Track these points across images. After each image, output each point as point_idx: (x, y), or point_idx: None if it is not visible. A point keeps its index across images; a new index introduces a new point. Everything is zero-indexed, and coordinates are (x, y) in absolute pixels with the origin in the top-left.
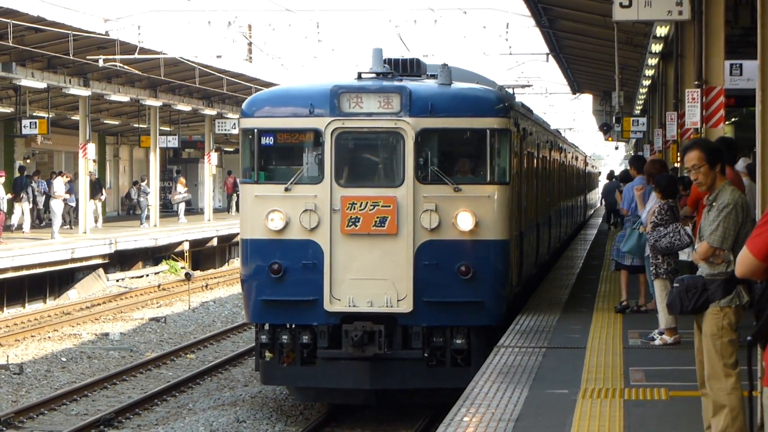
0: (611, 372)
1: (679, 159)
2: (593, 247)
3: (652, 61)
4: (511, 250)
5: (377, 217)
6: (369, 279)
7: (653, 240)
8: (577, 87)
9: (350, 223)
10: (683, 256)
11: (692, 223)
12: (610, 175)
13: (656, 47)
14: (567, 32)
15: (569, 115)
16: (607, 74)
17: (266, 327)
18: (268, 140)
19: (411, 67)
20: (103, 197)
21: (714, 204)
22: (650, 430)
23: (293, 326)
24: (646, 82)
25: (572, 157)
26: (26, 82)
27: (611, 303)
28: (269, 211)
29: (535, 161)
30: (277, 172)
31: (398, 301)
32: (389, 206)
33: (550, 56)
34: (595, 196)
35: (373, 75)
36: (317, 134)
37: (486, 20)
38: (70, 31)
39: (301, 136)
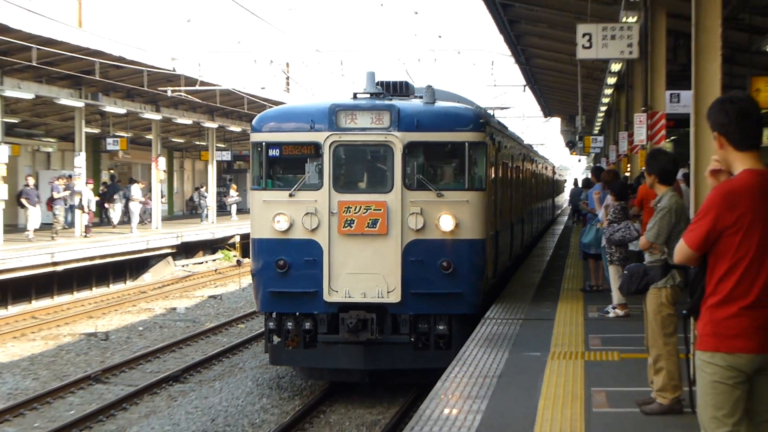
0: (574, 339)
1: (629, 169)
2: (560, 240)
3: (608, 91)
4: (486, 248)
5: (370, 219)
6: (363, 273)
7: (608, 234)
8: (548, 111)
9: (346, 225)
10: (632, 246)
11: (639, 221)
12: (576, 182)
13: (611, 80)
14: (540, 68)
15: (542, 134)
16: (572, 101)
17: (273, 315)
18: (274, 152)
19: (400, 89)
20: (163, 200)
21: (657, 206)
22: (605, 385)
23: (297, 314)
24: (603, 108)
25: (542, 167)
26: (110, 109)
27: (575, 284)
28: (275, 214)
29: (509, 170)
30: (283, 180)
31: (388, 292)
32: (380, 210)
33: (526, 87)
34: (563, 199)
35: (367, 95)
36: (317, 147)
37: (476, 59)
38: (144, 68)
39: (303, 148)
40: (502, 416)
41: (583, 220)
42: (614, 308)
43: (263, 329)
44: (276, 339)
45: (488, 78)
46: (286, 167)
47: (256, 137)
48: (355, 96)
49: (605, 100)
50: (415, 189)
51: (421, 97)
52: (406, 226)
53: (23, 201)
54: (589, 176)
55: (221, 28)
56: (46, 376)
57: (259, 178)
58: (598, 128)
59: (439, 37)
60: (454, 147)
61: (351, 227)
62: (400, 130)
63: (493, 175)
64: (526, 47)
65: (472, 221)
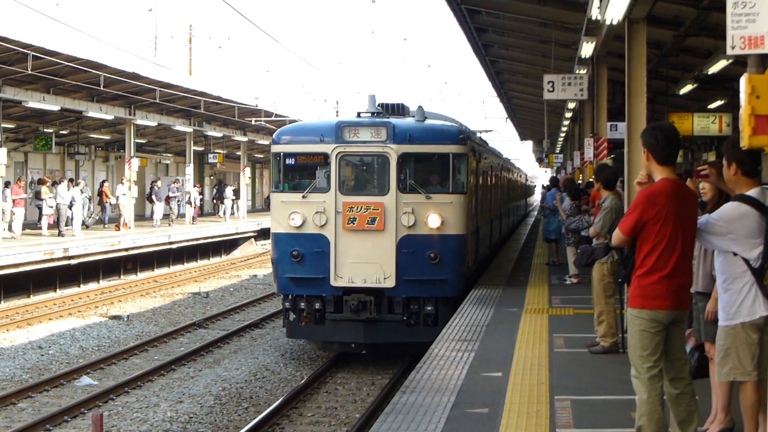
0: (541, 299)
1: (581, 178)
2: (531, 229)
3: (566, 122)
4: (467, 241)
5: (369, 217)
6: (363, 263)
7: (566, 224)
8: (523, 136)
9: (349, 222)
10: (583, 233)
11: (590, 214)
12: (543, 187)
13: (568, 114)
14: (517, 105)
15: (519, 152)
16: (540, 129)
17: (289, 297)
18: (290, 161)
19: (397, 110)
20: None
21: (601, 206)
22: (563, 332)
23: (308, 296)
24: (563, 134)
25: (517, 175)
26: (211, 133)
27: (541, 260)
28: (291, 212)
29: (489, 176)
30: (297, 184)
31: (385, 278)
32: (378, 209)
33: (507, 119)
34: (533, 199)
35: (369, 114)
36: (326, 156)
37: (471, 98)
38: (235, 104)
39: (314, 157)
40: (489, 353)
41: (546, 214)
42: (570, 277)
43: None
44: (292, 316)
45: (480, 112)
46: (300, 173)
47: (275, 148)
48: (358, 114)
49: (564, 129)
50: (407, 192)
51: (414, 117)
52: (400, 223)
53: (153, 198)
54: (545, 185)
55: (290, 75)
56: (163, 323)
57: (277, 183)
58: (559, 148)
59: (445, 83)
60: (440, 157)
61: (354, 224)
62: (395, 142)
63: (473, 181)
64: (507, 90)
65: (455, 219)
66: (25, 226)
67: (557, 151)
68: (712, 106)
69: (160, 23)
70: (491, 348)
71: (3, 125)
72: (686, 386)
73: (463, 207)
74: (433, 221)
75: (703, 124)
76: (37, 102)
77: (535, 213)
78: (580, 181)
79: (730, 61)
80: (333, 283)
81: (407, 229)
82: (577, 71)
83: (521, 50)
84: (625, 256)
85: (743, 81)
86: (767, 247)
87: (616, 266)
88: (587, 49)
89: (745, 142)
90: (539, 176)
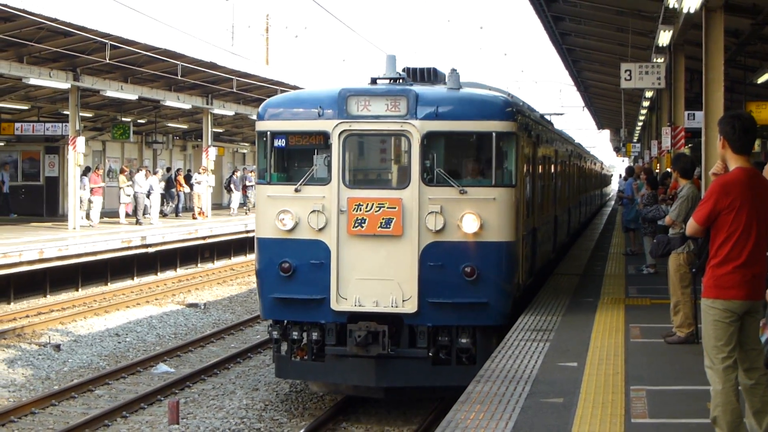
0: (618, 288)
1: (658, 167)
2: (608, 218)
3: (643, 111)
4: (517, 251)
5: (383, 219)
6: (375, 279)
7: (643, 214)
8: (600, 125)
9: (356, 224)
10: (660, 222)
11: (668, 203)
12: (620, 176)
13: (645, 103)
14: (594, 94)
15: (596, 140)
16: (618, 118)
17: (278, 323)
18: (280, 142)
19: (428, 76)
20: None
21: (678, 194)
22: (639, 322)
23: (303, 323)
24: (640, 123)
25: (592, 163)
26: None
27: (618, 249)
28: (279, 211)
29: (554, 164)
30: (289, 174)
31: (403, 301)
32: (395, 208)
33: (584, 108)
34: (610, 188)
35: (387, 80)
36: (326, 136)
37: (548, 87)
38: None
39: (311, 138)
40: (566, 343)
41: (624, 203)
42: (647, 267)
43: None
44: (283, 348)
45: (558, 100)
46: (293, 159)
47: (260, 126)
48: (374, 81)
49: (641, 118)
50: (434, 185)
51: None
52: (424, 227)
53: (231, 187)
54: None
55: (366, 65)
56: (240, 311)
57: (263, 171)
58: (636, 137)
59: (522, 71)
60: (479, 138)
61: (362, 227)
62: (418, 118)
63: (527, 169)
64: (584, 79)
65: (500, 221)
66: (103, 214)
67: (635, 140)
68: None
69: (237, 13)
70: (567, 338)
71: (81, 114)
72: (761, 377)
73: (511, 205)
74: (469, 224)
75: None
76: (114, 91)
77: (612, 202)
78: (657, 171)
79: None
80: (335, 306)
81: (434, 235)
82: (655, 60)
83: (598, 39)
84: (700, 246)
85: None
86: None
87: (692, 256)
88: (664, 37)
89: None
90: (617, 165)
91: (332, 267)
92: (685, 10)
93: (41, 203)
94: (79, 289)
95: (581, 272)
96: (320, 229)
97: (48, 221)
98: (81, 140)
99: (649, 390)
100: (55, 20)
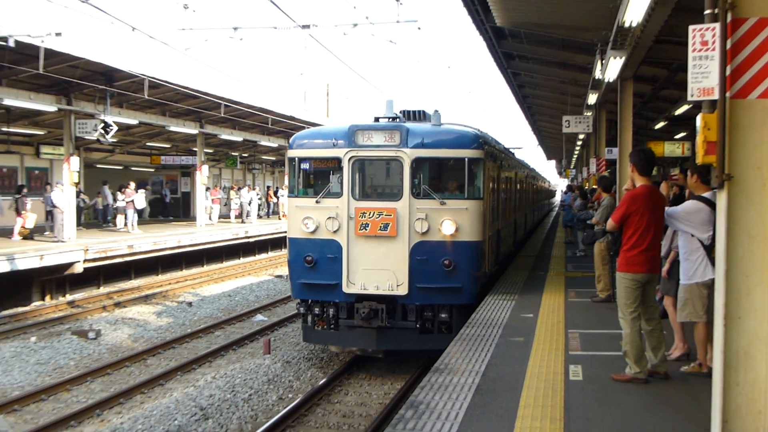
0: (560, 265)
1: (587, 185)
2: (554, 220)
3: (578, 148)
4: (484, 248)
5: (382, 223)
6: (376, 269)
7: (578, 216)
8: (549, 156)
9: (362, 228)
10: (589, 221)
11: (593, 209)
12: (563, 191)
13: (579, 142)
14: (546, 135)
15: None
16: (560, 152)
17: (304, 301)
18: (305, 165)
19: (417, 116)
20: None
21: (601, 203)
22: (575, 287)
23: (323, 301)
24: (575, 155)
25: (542, 182)
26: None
27: (560, 240)
28: (304, 218)
29: (513, 182)
30: (312, 189)
31: (397, 286)
32: (391, 215)
33: (538, 145)
34: (555, 199)
35: (386, 119)
36: (339, 161)
37: (511, 125)
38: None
39: (328, 162)
40: (525, 301)
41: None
42: (580, 251)
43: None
44: (309, 320)
45: (518, 139)
46: (315, 178)
47: (290, 153)
48: (377, 119)
49: (576, 151)
50: (421, 198)
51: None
52: (413, 230)
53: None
54: (564, 190)
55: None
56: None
57: (293, 187)
58: (573, 165)
59: (485, 110)
60: (455, 162)
61: (366, 230)
62: (409, 147)
63: (495, 186)
64: (538, 123)
65: (471, 226)
66: (220, 217)
67: (572, 167)
68: (677, 136)
69: (308, 82)
70: (526, 298)
71: (204, 150)
72: (656, 324)
73: (479, 213)
74: (447, 228)
75: (671, 149)
76: (227, 135)
77: (557, 208)
78: (586, 187)
79: (690, 105)
80: (345, 289)
81: (420, 236)
82: (585, 113)
83: (548, 99)
84: (615, 237)
85: (699, 118)
86: (715, 231)
87: (609, 244)
88: (592, 98)
89: (699, 160)
90: (560, 183)
91: (344, 260)
92: (606, 80)
93: (179, 209)
94: (204, 266)
95: (536, 254)
96: (335, 231)
97: (183, 221)
98: (205, 168)
99: (581, 333)
100: (186, 88)
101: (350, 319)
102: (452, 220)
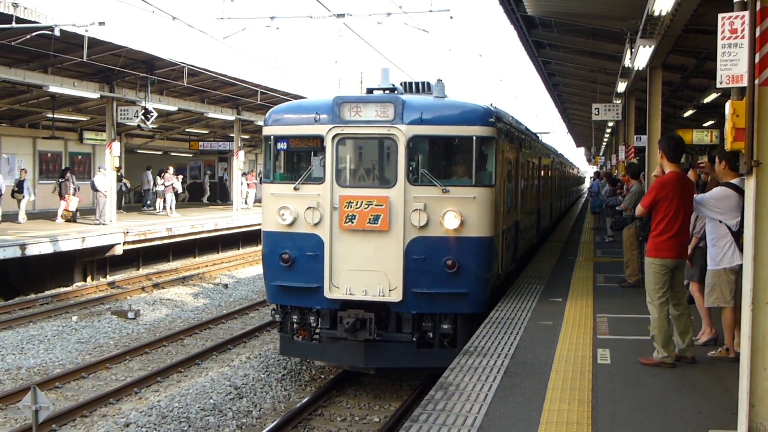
0: (589, 250)
1: (616, 172)
2: (583, 206)
3: (607, 135)
4: (496, 245)
5: (371, 215)
6: (364, 270)
7: (606, 202)
8: (578, 144)
9: (347, 220)
10: (617, 207)
11: (622, 195)
12: (592, 177)
13: (608, 130)
14: (575, 123)
15: (576, 154)
16: (590, 140)
17: (280, 307)
18: (282, 145)
19: (421, 88)
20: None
21: (629, 190)
22: (603, 272)
23: (302, 308)
24: (605, 142)
25: (571, 168)
26: None
27: (589, 226)
28: (280, 207)
29: (536, 167)
30: (290, 174)
31: (390, 290)
32: (382, 205)
33: (568, 132)
34: (584, 185)
35: (381, 90)
36: (321, 140)
37: (541, 113)
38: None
39: (308, 141)
40: (554, 286)
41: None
42: (608, 237)
43: None
44: (288, 329)
45: (549, 127)
46: (293, 161)
47: (265, 131)
48: (370, 91)
49: (605, 139)
50: (419, 184)
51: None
52: (409, 223)
53: None
54: (592, 176)
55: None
56: None
57: (268, 171)
58: (602, 152)
59: (516, 98)
60: (461, 142)
61: (352, 223)
62: (404, 123)
63: (508, 171)
64: (568, 112)
65: (479, 218)
66: (255, 201)
67: (600, 155)
68: (705, 124)
69: (342, 70)
70: (555, 282)
71: (242, 136)
72: (684, 309)
73: (490, 203)
74: (451, 221)
75: (699, 137)
76: (262, 121)
77: (585, 195)
78: (615, 174)
79: (719, 93)
80: (328, 294)
81: (418, 230)
82: (615, 101)
83: (577, 87)
84: (644, 223)
85: (728, 105)
86: (743, 218)
87: (638, 230)
88: (621, 86)
89: (728, 146)
90: (588, 170)
91: (326, 259)
92: (635, 68)
93: (215, 193)
94: (240, 248)
95: (564, 240)
96: (315, 224)
97: (220, 205)
98: (241, 153)
99: (609, 317)
100: (224, 75)
101: (334, 329)
102: (456, 212)
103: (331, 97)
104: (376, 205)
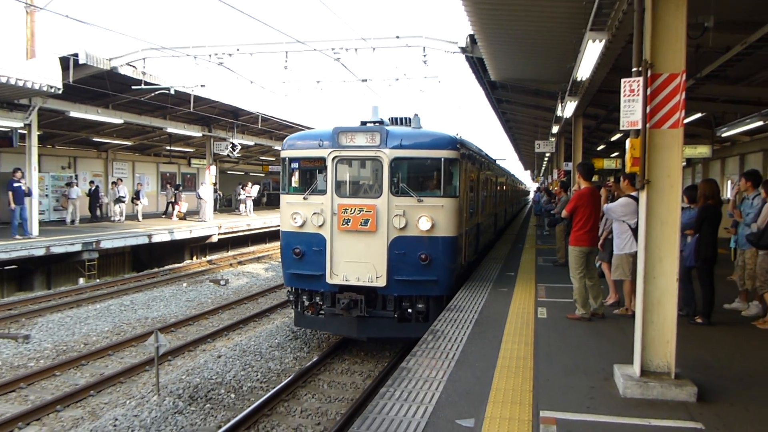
0: (532, 240)
1: (551, 187)
2: (528, 213)
3: (546, 161)
4: (459, 242)
5: (362, 219)
6: (357, 262)
7: (545, 208)
8: (525, 167)
9: (344, 223)
10: (552, 211)
11: (554, 204)
12: (535, 191)
13: (546, 158)
14: (523, 152)
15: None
16: (533, 164)
17: (293, 290)
18: (294, 165)
19: (404, 121)
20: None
21: (560, 200)
22: (543, 256)
23: (310, 290)
24: (544, 167)
25: (519, 184)
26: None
27: (532, 224)
28: (293, 212)
29: (493, 183)
30: (301, 187)
31: (377, 278)
32: (371, 212)
33: (519, 160)
34: (529, 197)
35: (371, 123)
36: (324, 160)
37: (500, 145)
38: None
39: (314, 162)
40: (509, 264)
41: (534, 206)
42: (546, 231)
43: None
44: (299, 306)
45: (498, 155)
46: (303, 177)
47: (283, 154)
48: (363, 123)
49: (545, 164)
50: (399, 195)
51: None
52: (392, 225)
53: None
54: (535, 190)
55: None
56: None
57: (284, 185)
58: (542, 173)
59: (472, 123)
60: (432, 162)
61: (348, 225)
62: (388, 147)
63: (474, 186)
64: (518, 143)
65: (446, 222)
66: None
67: (541, 175)
68: (612, 155)
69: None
70: (509, 262)
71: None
72: (596, 281)
73: (455, 210)
74: (424, 224)
75: (608, 163)
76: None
77: (529, 204)
78: (550, 188)
79: (622, 134)
80: (329, 280)
81: (399, 231)
82: (551, 138)
83: (525, 128)
84: (568, 223)
85: (628, 142)
86: (639, 219)
87: (565, 226)
88: (555, 129)
89: (628, 170)
90: (532, 186)
91: (327, 253)
92: (564, 116)
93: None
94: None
95: (515, 234)
96: (320, 226)
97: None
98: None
99: (546, 286)
100: (285, 120)
101: (333, 307)
102: (428, 217)
103: (332, 127)
104: (366, 212)
